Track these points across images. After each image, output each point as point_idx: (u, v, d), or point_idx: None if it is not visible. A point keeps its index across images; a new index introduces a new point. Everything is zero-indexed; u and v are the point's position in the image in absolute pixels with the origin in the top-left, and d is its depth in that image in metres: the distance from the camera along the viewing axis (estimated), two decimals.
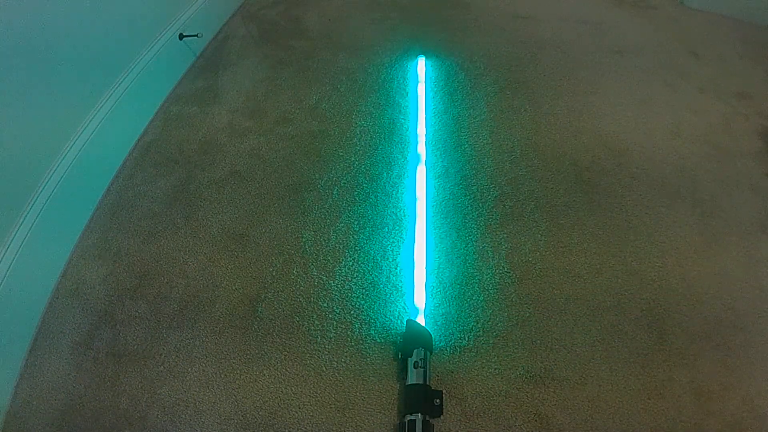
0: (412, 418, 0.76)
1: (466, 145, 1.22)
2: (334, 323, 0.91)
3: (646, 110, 1.30)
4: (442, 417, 0.79)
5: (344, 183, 1.14)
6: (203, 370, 0.86)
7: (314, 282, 0.97)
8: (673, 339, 0.88)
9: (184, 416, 0.82)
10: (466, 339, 0.89)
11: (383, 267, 0.99)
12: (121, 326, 0.93)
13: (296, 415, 0.81)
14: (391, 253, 1.01)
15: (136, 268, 1.01)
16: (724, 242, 1.02)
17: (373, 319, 0.92)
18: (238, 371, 0.86)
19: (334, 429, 0.79)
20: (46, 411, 0.83)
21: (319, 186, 1.14)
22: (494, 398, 0.82)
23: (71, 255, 1.04)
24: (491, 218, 1.06)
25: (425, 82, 1.37)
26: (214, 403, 0.83)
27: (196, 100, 1.37)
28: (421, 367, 0.80)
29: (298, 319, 0.92)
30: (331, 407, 0.81)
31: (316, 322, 0.92)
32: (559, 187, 1.12)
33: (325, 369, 0.86)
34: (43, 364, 0.89)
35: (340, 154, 1.21)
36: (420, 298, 0.93)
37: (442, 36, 1.56)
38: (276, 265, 1.00)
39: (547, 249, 1.01)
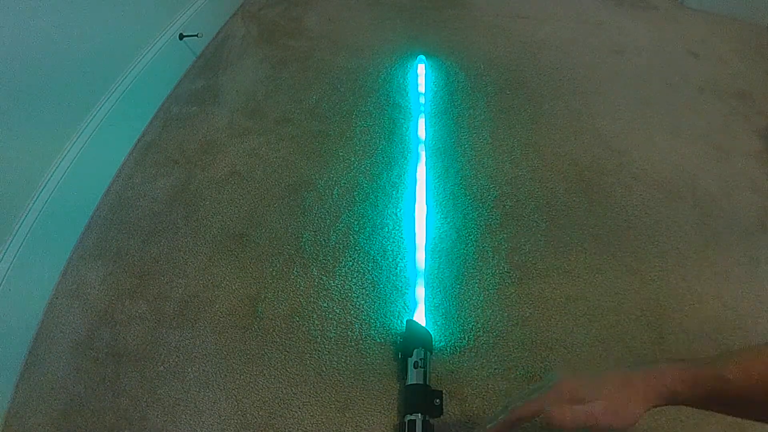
0: (412, 418, 0.75)
1: (466, 145, 1.22)
2: (334, 323, 0.91)
3: (646, 110, 1.30)
4: (442, 417, 0.79)
5: (344, 183, 1.14)
6: (203, 370, 0.86)
7: (314, 282, 0.97)
8: (673, 339, 0.88)
9: (184, 416, 0.81)
10: (466, 339, 0.89)
11: (383, 267, 0.99)
12: (121, 326, 0.93)
13: (296, 415, 0.81)
14: (391, 253, 1.01)
15: (136, 268, 1.01)
16: (724, 242, 1.02)
17: (373, 319, 0.92)
18: (238, 371, 0.86)
19: (334, 429, 0.79)
20: (46, 411, 0.83)
21: (319, 186, 1.14)
22: (494, 398, 0.82)
23: (71, 255, 1.04)
24: (491, 218, 1.06)
25: (425, 83, 1.37)
26: (214, 403, 0.83)
27: (196, 100, 1.37)
28: (421, 367, 0.80)
29: (298, 319, 0.92)
30: (331, 407, 0.81)
31: (316, 322, 0.92)
32: (559, 187, 1.12)
33: (325, 369, 0.86)
34: (43, 364, 0.89)
35: (340, 154, 1.21)
36: (420, 298, 0.92)
37: (442, 36, 1.56)
38: (276, 265, 1.00)
39: (547, 249, 1.01)
